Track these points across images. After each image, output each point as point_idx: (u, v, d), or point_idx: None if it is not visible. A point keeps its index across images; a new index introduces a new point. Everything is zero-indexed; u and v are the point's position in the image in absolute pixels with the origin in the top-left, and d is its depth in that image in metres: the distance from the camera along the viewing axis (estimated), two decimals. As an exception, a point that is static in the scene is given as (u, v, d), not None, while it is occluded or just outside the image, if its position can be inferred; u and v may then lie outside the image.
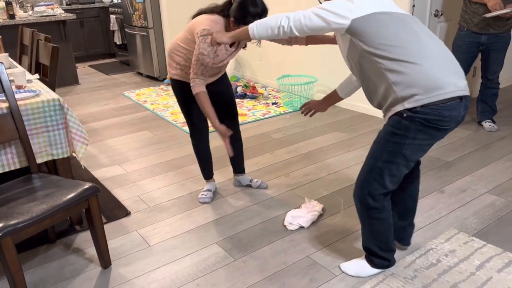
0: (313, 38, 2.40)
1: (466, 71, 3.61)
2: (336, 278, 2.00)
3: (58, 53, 2.73)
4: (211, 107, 2.26)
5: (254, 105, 4.69)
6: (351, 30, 1.66)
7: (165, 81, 5.74)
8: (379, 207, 1.84)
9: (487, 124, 3.72)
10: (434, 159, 3.19)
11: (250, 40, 1.86)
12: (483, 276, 1.95)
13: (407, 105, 1.63)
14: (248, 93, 4.93)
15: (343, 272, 2.04)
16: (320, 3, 1.77)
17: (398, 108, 1.66)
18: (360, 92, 4.27)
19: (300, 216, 2.45)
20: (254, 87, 4.96)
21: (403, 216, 2.08)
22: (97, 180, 3.08)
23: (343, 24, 1.65)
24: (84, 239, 2.38)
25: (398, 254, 2.14)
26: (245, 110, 4.53)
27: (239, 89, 4.94)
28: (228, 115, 2.65)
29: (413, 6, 3.67)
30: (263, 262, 2.14)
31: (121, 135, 3.96)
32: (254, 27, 1.77)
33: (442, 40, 4.01)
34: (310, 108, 2.33)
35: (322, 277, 2.01)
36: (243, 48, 2.48)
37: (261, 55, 5.46)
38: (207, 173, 2.78)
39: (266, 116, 4.33)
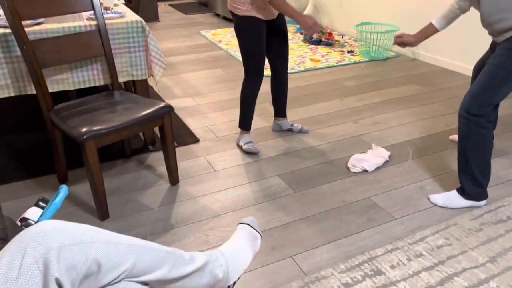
0: None
1: None
2: (395, 221, 1.98)
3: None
4: (289, 4, 2.24)
5: (328, 52, 4.57)
6: None
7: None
8: (486, 115, 1.90)
9: None
10: (510, 123, 2.95)
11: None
12: (557, 238, 1.83)
13: None
14: (323, 39, 4.79)
15: (432, 202, 2.11)
16: None
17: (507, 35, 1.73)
18: (443, 45, 3.98)
19: (365, 160, 2.42)
20: (330, 33, 4.81)
21: None
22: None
23: None
24: (156, 158, 2.55)
25: (464, 209, 2.06)
26: (319, 56, 4.43)
27: (314, 35, 4.82)
28: (280, 56, 2.58)
29: None
30: (322, 197, 2.17)
31: (195, 71, 4.07)
32: None
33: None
34: (402, 41, 2.28)
35: (381, 218, 2.00)
36: None
37: (341, 1, 5.23)
38: (249, 124, 2.63)
39: (340, 63, 4.21)
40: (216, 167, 2.46)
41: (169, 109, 2.10)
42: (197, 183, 2.30)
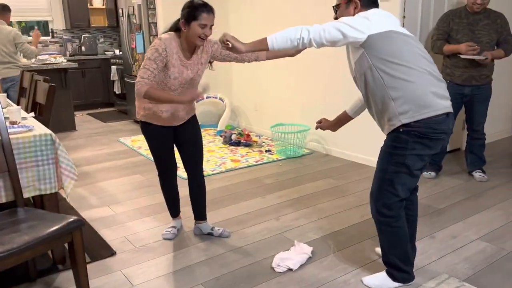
0: (272, 53, 2.55)
1: None
2: (323, 321, 1.93)
3: (54, 92, 2.81)
4: (165, 92, 2.31)
5: (247, 152, 4.73)
6: (365, 44, 1.88)
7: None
8: (395, 215, 2.02)
9: (477, 174, 3.74)
10: (425, 206, 3.18)
11: (268, 50, 1.93)
12: (474, 320, 1.89)
13: (403, 120, 1.89)
14: (242, 141, 4.99)
15: (365, 285, 2.16)
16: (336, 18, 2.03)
17: (395, 123, 1.90)
18: (351, 141, 4.33)
19: (289, 258, 2.40)
20: (248, 135, 5.04)
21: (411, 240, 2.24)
22: (84, 220, 3.04)
23: (361, 38, 1.87)
24: (65, 278, 2.31)
25: (387, 297, 2.08)
26: (239, 156, 4.57)
27: (234, 137, 5.01)
28: (191, 159, 2.64)
29: (403, 17, 3.75)
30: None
31: (113, 178, 3.96)
32: (274, 38, 1.90)
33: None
34: (322, 127, 2.49)
35: (309, 320, 1.95)
36: (210, 68, 2.56)
37: (256, 105, 5.59)
38: (174, 211, 2.83)
39: (259, 162, 4.36)
40: (134, 281, 2.28)
41: (79, 224, 1.97)
42: (112, 303, 2.10)
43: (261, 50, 1.96)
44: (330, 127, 2.48)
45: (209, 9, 2.28)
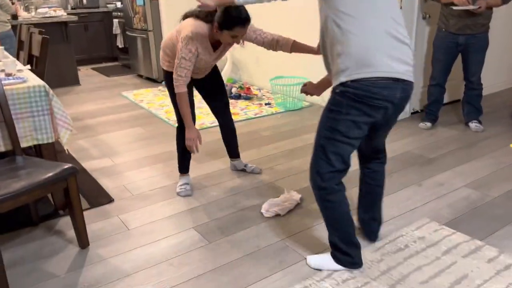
0: (297, 47, 2.52)
1: (447, 72, 3.65)
2: (305, 260, 2.05)
3: (47, 44, 2.84)
4: (189, 109, 2.42)
5: (247, 105, 4.77)
6: None
7: (163, 82, 5.84)
8: (328, 188, 1.80)
9: (473, 124, 3.75)
10: (417, 156, 3.23)
11: (234, 4, 1.86)
12: (448, 260, 1.99)
13: (341, 78, 1.66)
14: (242, 94, 5.01)
15: (307, 263, 2.02)
16: None
17: (334, 81, 1.72)
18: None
19: (277, 204, 2.50)
20: (248, 88, 5.05)
21: (366, 209, 2.13)
22: (85, 170, 3.16)
23: None
24: (66, 223, 2.46)
25: (367, 240, 2.18)
26: (238, 109, 4.61)
27: (234, 90, 5.03)
28: (220, 107, 2.80)
29: (401, 7, 3.74)
30: (236, 245, 2.20)
31: (114, 131, 4.06)
32: None
33: (428, 42, 4.06)
34: (306, 91, 2.40)
35: (292, 259, 2.06)
36: (241, 46, 2.54)
37: (258, 59, 5.55)
38: (185, 167, 2.82)
39: (258, 115, 4.40)
40: (130, 225, 2.42)
41: (73, 171, 2.08)
42: (108, 244, 2.24)
43: (226, 3, 1.90)
44: (314, 91, 2.37)
45: (244, 23, 2.27)
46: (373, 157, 2.05)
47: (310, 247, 2.15)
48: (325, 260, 1.98)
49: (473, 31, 3.40)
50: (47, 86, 2.34)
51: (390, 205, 2.54)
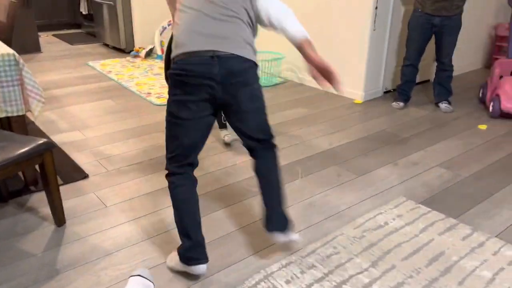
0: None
1: (421, 52, 3.71)
2: (288, 238, 2.07)
3: (16, 9, 2.64)
4: None
5: (220, 80, 4.68)
6: None
7: (132, 53, 5.63)
8: (168, 171, 1.77)
9: (443, 105, 3.87)
10: (390, 135, 3.31)
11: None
12: (425, 238, 2.07)
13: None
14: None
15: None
16: None
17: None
18: (325, 70, 4.33)
19: (258, 182, 2.50)
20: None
21: (265, 202, 1.87)
22: (55, 143, 3.02)
23: None
24: (38, 199, 2.35)
25: (347, 217, 2.23)
26: (212, 84, 4.52)
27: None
28: None
29: None
30: (220, 223, 2.19)
31: (83, 103, 3.89)
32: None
33: (403, 22, 4.10)
34: (314, 75, 1.87)
35: (275, 237, 2.08)
36: None
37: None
38: (221, 120, 3.12)
39: (232, 90, 4.33)
40: (107, 202, 2.35)
41: (49, 145, 1.97)
42: (86, 222, 2.17)
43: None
44: (317, 75, 1.92)
45: None
46: (260, 145, 1.85)
47: (294, 224, 2.18)
48: (173, 255, 1.86)
49: (449, 12, 3.46)
50: (16, 54, 2.18)
51: (368, 183, 2.59)
